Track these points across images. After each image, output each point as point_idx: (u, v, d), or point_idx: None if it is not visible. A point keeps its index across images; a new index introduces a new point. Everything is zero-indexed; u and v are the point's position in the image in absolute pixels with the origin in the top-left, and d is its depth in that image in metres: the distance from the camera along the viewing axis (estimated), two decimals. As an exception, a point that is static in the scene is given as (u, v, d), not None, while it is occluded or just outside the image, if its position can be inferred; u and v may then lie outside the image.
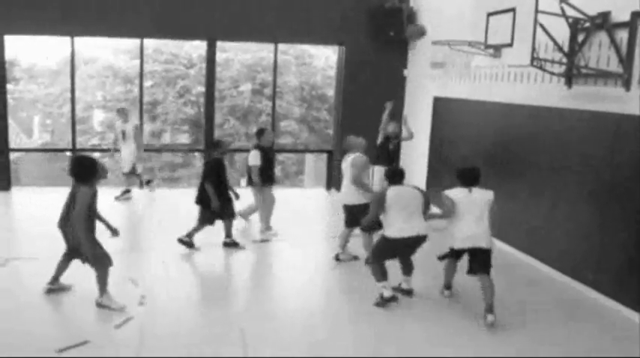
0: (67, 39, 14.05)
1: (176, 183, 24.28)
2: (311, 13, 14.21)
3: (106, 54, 25.80)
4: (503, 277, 8.29)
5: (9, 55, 14.27)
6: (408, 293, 8.11)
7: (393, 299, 7.66)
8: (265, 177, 10.58)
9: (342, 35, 14.49)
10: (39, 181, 20.80)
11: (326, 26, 14.36)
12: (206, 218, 9.87)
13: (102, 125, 25.90)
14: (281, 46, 15.64)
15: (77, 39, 14.20)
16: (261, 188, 10.62)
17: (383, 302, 7.66)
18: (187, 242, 9.82)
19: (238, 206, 10.50)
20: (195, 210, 9.97)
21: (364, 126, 14.10)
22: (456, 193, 7.52)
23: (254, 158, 10.48)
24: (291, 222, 11.66)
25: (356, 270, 8.99)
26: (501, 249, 9.93)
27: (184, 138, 25.31)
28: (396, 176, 7.86)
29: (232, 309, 7.71)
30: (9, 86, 14.37)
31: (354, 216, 9.03)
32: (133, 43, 21.16)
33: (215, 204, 9.64)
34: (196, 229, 9.89)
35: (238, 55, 24.69)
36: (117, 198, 13.46)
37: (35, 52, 25.60)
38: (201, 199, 9.83)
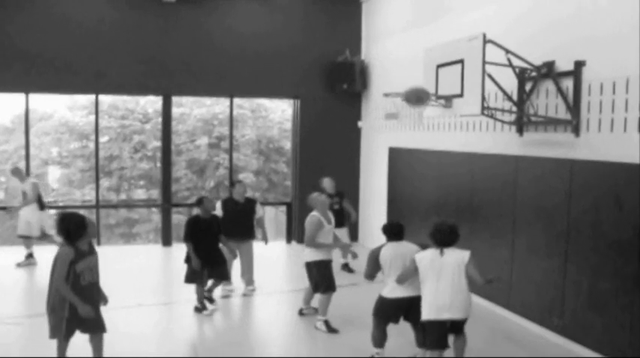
0: (21, 96, 13.95)
1: (134, 239, 24.01)
2: (266, 67, 14.37)
3: (62, 110, 25.62)
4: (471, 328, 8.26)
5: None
6: None
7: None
8: (227, 231, 10.12)
9: (297, 89, 14.68)
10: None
11: (281, 80, 14.52)
12: (192, 277, 9.44)
13: (58, 181, 25.59)
14: (237, 100, 15.73)
15: (32, 96, 14.12)
16: (226, 242, 10.05)
17: None
18: (199, 308, 9.48)
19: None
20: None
21: (323, 175, 14.26)
22: (424, 256, 6.69)
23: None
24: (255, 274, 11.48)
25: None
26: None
27: (141, 194, 25.13)
28: (392, 231, 7.37)
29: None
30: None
31: (311, 271, 8.84)
32: (88, 99, 21.12)
33: (194, 263, 9.26)
34: (197, 291, 9.50)
35: (194, 110, 24.72)
36: (19, 265, 12.39)
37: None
38: (187, 258, 9.44)
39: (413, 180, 12.31)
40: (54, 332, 6.49)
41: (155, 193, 23.65)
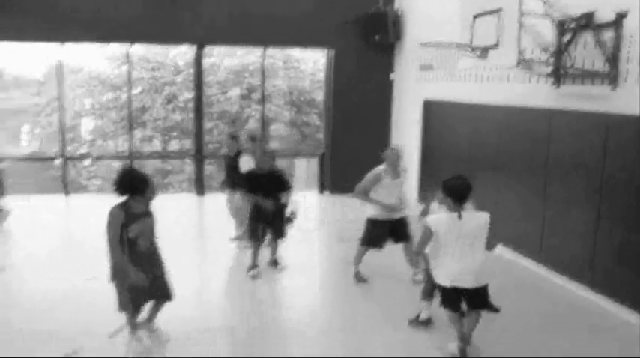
0: (55, 46, 14.03)
1: (166, 189, 24.23)
2: (299, 17, 14.22)
3: (93, 62, 25.71)
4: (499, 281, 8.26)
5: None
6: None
7: (428, 322, 7.14)
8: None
9: (331, 39, 14.52)
10: (30, 189, 20.72)
11: (314, 30, 14.37)
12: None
13: (92, 133, 25.81)
14: (268, 51, 15.65)
15: (64, 48, 14.18)
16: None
17: (417, 322, 7.18)
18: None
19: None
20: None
21: (354, 130, 14.22)
22: (440, 221, 6.05)
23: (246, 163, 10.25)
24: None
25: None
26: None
27: (174, 145, 25.27)
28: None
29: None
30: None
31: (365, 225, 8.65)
32: (119, 50, 21.13)
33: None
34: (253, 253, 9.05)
35: (224, 60, 24.66)
36: None
37: (22, 62, 25.52)
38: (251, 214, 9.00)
39: (446, 134, 12.24)
40: (122, 305, 6.17)
41: (187, 144, 23.77)
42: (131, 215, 5.87)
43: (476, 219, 6.05)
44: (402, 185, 8.61)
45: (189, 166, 21.42)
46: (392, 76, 14.75)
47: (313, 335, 7.01)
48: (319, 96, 21.61)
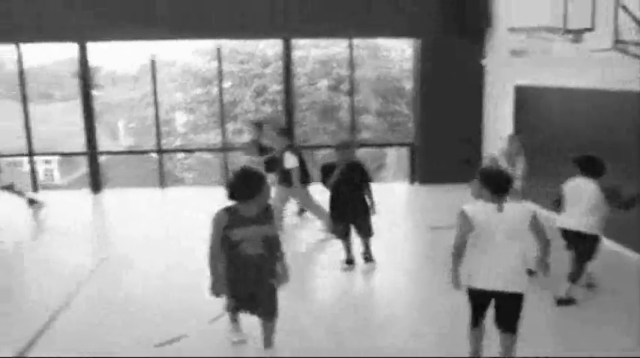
0: (147, 44, 14.43)
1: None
2: (386, 5, 14.16)
3: (185, 57, 26.31)
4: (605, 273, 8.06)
5: (92, 61, 14.72)
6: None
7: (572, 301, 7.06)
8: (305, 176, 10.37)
9: (418, 27, 14.40)
10: (127, 182, 21.43)
11: (401, 19, 14.27)
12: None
13: (185, 126, 26.44)
14: (355, 40, 15.65)
15: (157, 43, 14.57)
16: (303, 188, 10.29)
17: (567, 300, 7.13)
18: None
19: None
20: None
21: (444, 119, 14.10)
22: (479, 210, 5.30)
23: (292, 161, 10.26)
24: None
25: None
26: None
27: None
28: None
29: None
30: (93, 92, 14.85)
31: None
32: (210, 44, 21.53)
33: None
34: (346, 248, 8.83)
35: (312, 51, 24.82)
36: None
37: (116, 59, 26.34)
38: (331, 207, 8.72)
39: (540, 121, 12.00)
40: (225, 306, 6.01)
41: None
42: (238, 218, 5.47)
43: (519, 212, 5.29)
44: (521, 172, 8.35)
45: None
46: (483, 61, 14.51)
47: (430, 332, 7.01)
48: (408, 84, 21.51)
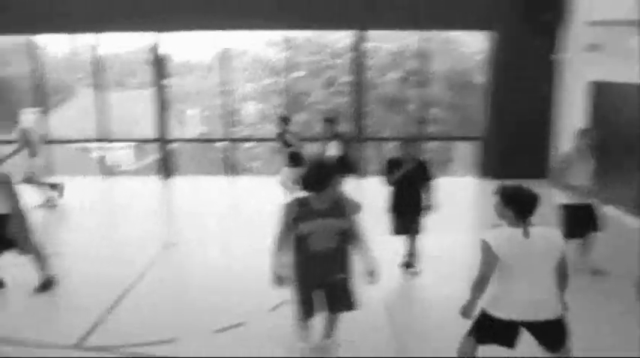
0: (219, 34, 14.58)
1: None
2: (460, -2, 13.98)
3: (256, 47, 26.47)
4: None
5: (165, 50, 14.92)
6: None
7: None
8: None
9: (492, 20, 14.15)
10: (196, 170, 21.70)
11: (475, 11, 14.06)
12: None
13: (254, 116, 26.61)
14: (428, 33, 15.47)
15: (229, 33, 14.71)
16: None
17: None
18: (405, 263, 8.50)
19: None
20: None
21: (515, 113, 13.85)
22: (503, 238, 4.73)
23: (334, 148, 10.37)
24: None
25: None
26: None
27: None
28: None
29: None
30: (166, 80, 15.06)
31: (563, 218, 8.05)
32: (282, 35, 21.61)
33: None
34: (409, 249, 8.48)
35: (384, 44, 24.67)
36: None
37: (189, 48, 26.69)
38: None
39: (616, 118, 11.64)
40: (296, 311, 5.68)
41: (344, 127, 24.00)
42: (308, 211, 5.29)
43: (547, 236, 4.74)
44: (592, 168, 8.04)
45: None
46: (556, 57, 14.18)
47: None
48: (479, 78, 21.23)
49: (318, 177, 5.25)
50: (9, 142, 12.24)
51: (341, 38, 24.39)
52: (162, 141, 15.06)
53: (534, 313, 4.73)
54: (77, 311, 7.07)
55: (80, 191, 13.74)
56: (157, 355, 5.99)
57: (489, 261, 4.73)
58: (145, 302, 7.39)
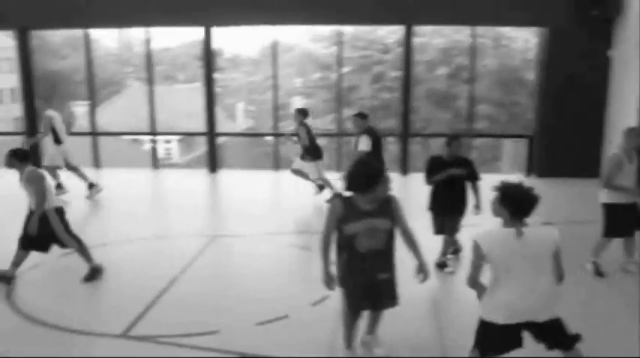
0: (269, 28, 14.67)
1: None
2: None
3: (304, 42, 26.52)
4: None
5: (215, 45, 15.03)
6: None
7: None
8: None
9: (543, 16, 13.94)
10: (243, 164, 21.86)
11: (525, 6, 13.85)
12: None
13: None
14: (478, 29, 15.32)
15: (278, 27, 14.78)
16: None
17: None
18: (440, 263, 8.22)
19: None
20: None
21: (566, 111, 13.63)
22: (494, 239, 4.61)
23: (364, 144, 10.33)
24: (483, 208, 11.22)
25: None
26: None
27: (380, 124, 25.54)
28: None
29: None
30: (215, 75, 15.18)
31: (603, 213, 7.97)
32: (331, 30, 21.62)
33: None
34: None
35: (434, 39, 24.52)
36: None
37: (238, 42, 26.88)
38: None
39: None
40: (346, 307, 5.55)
41: (392, 123, 23.91)
42: (354, 211, 5.14)
43: (541, 236, 4.60)
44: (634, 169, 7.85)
45: (392, 145, 21.60)
46: (611, 53, 13.90)
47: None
48: (529, 75, 20.95)
49: (365, 178, 5.10)
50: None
51: (390, 33, 24.32)
52: (211, 134, 15.18)
53: (533, 314, 4.63)
54: (124, 301, 7.17)
55: (130, 183, 13.95)
56: (201, 345, 6.04)
57: (477, 264, 4.64)
58: (189, 294, 7.46)
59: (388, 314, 5.78)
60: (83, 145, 15.35)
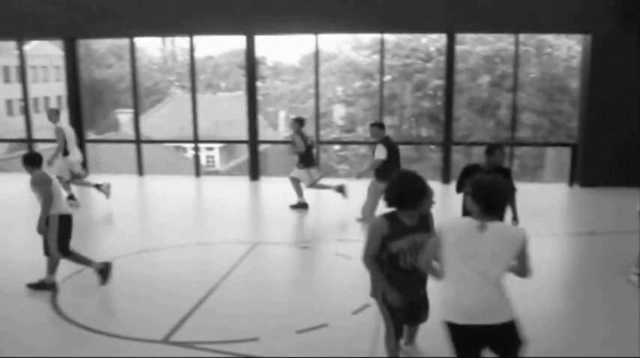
0: (310, 36, 14.73)
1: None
2: (554, 0, 13.65)
3: (347, 50, 26.60)
4: None
5: (257, 53, 15.13)
6: None
7: None
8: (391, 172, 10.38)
9: (588, 23, 13.78)
10: (283, 172, 21.94)
11: (570, 14, 13.71)
12: None
13: (343, 119, 26.76)
14: (521, 37, 15.18)
15: (319, 36, 14.83)
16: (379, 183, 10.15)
17: None
18: None
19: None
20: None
21: (611, 120, 13.43)
22: (456, 228, 4.41)
23: (380, 153, 10.29)
24: (526, 217, 11.10)
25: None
26: None
27: (422, 132, 25.49)
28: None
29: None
30: (257, 83, 15.28)
31: None
32: (372, 38, 21.66)
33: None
34: None
35: (476, 47, 24.43)
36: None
37: (280, 50, 27.07)
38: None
39: None
40: (387, 334, 5.34)
41: (432, 131, 23.85)
42: (399, 227, 4.96)
43: (504, 234, 4.33)
44: None
45: (435, 154, 21.59)
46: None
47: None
48: (573, 83, 20.75)
49: (414, 192, 4.93)
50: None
51: (432, 41, 24.29)
52: (252, 142, 15.27)
53: (485, 316, 4.34)
54: (164, 307, 7.22)
55: (172, 190, 14.10)
56: (241, 353, 6.07)
57: (434, 244, 4.49)
58: (230, 301, 7.50)
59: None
60: (127, 152, 15.57)
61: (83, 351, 6.15)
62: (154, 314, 7.07)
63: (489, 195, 4.30)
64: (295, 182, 12.23)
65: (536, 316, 6.88)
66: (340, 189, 12.28)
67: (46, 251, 7.68)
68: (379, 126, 10.80)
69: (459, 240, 4.32)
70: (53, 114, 12.38)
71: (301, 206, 12.10)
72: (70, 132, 12.41)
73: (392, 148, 10.44)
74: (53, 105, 43.16)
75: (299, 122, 12.15)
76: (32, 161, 7.63)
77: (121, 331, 6.52)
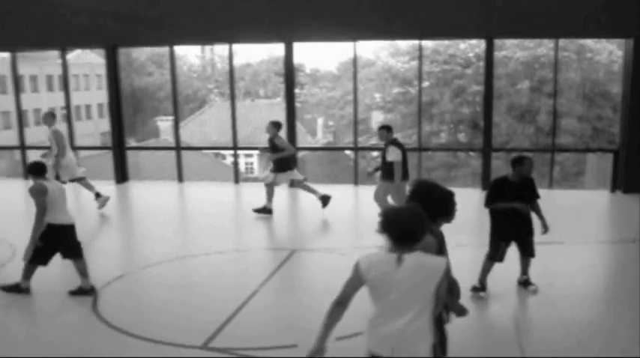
0: (348, 43, 14.75)
1: (452, 182, 24.39)
2: (594, 3, 13.48)
3: (384, 57, 26.58)
4: None
5: (295, 61, 15.20)
6: None
7: None
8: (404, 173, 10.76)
9: (629, 26, 13.58)
10: (322, 179, 21.99)
11: (610, 17, 13.52)
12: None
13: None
14: (560, 42, 15.02)
15: (357, 43, 14.85)
16: (400, 183, 10.61)
17: None
18: (477, 287, 7.80)
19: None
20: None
21: None
22: (374, 261, 4.28)
23: (395, 154, 10.53)
24: (566, 224, 10.99)
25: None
26: None
27: (461, 138, 25.35)
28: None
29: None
30: (296, 90, 15.35)
31: None
32: (410, 44, 21.61)
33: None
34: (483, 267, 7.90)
35: (516, 53, 24.25)
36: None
37: (319, 58, 27.18)
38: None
39: None
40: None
41: (471, 137, 23.72)
42: (444, 241, 4.73)
43: (423, 266, 4.14)
44: None
45: (474, 160, 21.48)
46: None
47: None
48: (614, 88, 20.49)
49: (452, 201, 4.82)
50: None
51: (471, 47, 24.17)
52: (290, 149, 15.33)
53: (395, 349, 4.21)
54: (204, 312, 7.28)
55: (211, 196, 14.21)
56: (279, 359, 6.10)
57: (353, 283, 4.41)
58: (268, 307, 7.54)
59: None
60: (168, 159, 15.72)
61: (119, 356, 6.25)
62: (194, 319, 7.14)
63: (397, 227, 4.14)
64: (271, 187, 12.26)
65: (576, 322, 6.84)
66: (324, 199, 12.37)
67: (73, 255, 7.81)
68: (387, 129, 11.12)
69: (378, 274, 4.20)
70: (49, 118, 12.64)
71: (266, 211, 12.12)
72: (64, 135, 12.72)
73: (403, 149, 10.80)
74: (95, 113, 43.89)
75: (276, 126, 12.26)
76: (32, 170, 7.79)
77: (161, 336, 6.59)
